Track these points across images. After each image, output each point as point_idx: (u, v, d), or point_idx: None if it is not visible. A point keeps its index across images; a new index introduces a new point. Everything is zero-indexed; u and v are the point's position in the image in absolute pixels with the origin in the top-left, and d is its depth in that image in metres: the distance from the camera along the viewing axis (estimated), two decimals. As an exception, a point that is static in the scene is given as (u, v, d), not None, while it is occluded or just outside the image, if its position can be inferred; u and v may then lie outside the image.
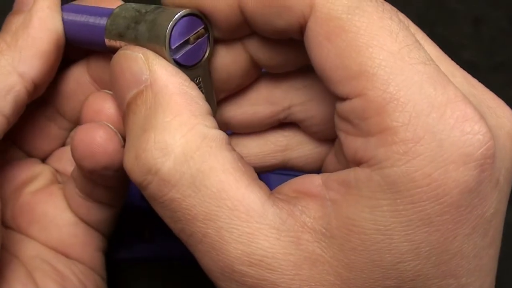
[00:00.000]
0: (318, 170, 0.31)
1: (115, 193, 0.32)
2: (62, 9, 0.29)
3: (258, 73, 0.28)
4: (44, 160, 0.34)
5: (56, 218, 0.32)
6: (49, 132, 0.33)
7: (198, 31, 0.26)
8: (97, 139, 0.28)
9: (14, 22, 0.28)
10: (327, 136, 0.29)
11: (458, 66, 0.25)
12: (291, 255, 0.22)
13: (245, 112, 0.29)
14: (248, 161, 0.27)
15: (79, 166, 0.29)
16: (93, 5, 0.29)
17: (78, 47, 0.30)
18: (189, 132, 0.23)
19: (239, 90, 0.29)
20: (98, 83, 0.32)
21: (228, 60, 0.27)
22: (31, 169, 0.33)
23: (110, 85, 0.26)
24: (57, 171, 0.34)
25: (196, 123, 0.23)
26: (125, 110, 0.25)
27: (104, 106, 0.29)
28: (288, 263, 0.22)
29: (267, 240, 0.22)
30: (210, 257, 0.23)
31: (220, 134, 0.24)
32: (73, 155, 0.29)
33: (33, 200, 0.32)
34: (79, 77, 0.32)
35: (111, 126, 0.28)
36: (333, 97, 0.24)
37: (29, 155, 0.34)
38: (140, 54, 0.24)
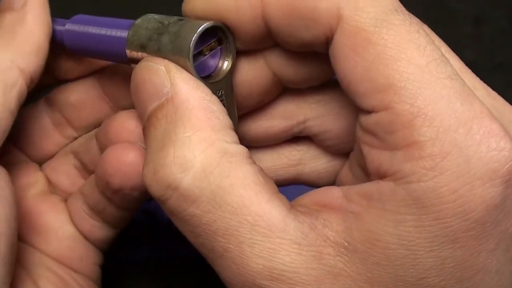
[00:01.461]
0: (331, 184, 0.30)
1: (124, 215, 0.32)
2: (75, 20, 0.29)
3: (278, 91, 0.28)
4: (40, 165, 0.34)
5: (57, 231, 0.32)
6: (52, 138, 0.33)
7: (211, 43, 0.26)
8: (131, 158, 0.28)
9: (8, 19, 0.28)
10: (342, 150, 0.29)
11: (478, 79, 0.25)
12: (313, 270, 0.22)
13: (260, 126, 0.29)
14: None
15: (105, 183, 0.29)
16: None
17: (92, 59, 0.30)
18: (209, 147, 0.23)
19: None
20: (109, 96, 0.32)
21: (250, 76, 0.27)
22: (31, 174, 0.33)
23: (132, 97, 0.26)
24: (49, 180, 0.34)
25: (216, 138, 0.23)
26: (145, 123, 0.25)
27: (138, 126, 0.29)
28: (310, 278, 0.22)
29: (288, 255, 0.22)
30: (231, 272, 0.23)
31: (240, 149, 0.24)
32: (101, 172, 0.29)
33: (35, 209, 0.32)
34: (90, 88, 0.32)
35: (144, 147, 0.28)
36: (357, 110, 0.24)
37: (29, 158, 0.34)
38: (162, 67, 0.24)
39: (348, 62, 0.22)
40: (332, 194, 0.24)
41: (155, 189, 0.23)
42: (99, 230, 0.32)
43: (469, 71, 0.25)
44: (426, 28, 0.24)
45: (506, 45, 0.58)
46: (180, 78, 0.24)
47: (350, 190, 0.24)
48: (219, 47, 0.26)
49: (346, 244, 0.22)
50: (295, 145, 0.30)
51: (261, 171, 0.24)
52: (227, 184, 0.22)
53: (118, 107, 0.33)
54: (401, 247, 0.21)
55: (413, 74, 0.21)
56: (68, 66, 0.32)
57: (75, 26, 0.29)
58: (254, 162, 0.24)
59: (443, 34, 0.59)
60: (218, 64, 0.26)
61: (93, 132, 0.33)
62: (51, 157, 0.34)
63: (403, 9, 0.23)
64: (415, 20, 0.23)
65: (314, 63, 0.26)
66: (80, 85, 0.33)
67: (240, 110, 0.28)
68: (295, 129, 0.29)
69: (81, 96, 0.33)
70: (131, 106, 0.31)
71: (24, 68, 0.27)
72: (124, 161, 0.28)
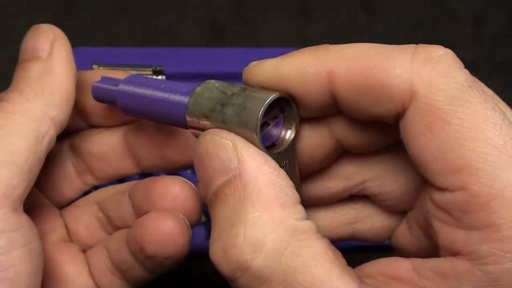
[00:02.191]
0: (386, 240, 0.30)
1: (149, 277, 0.31)
2: (128, 81, 0.29)
3: (338, 154, 0.28)
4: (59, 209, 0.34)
5: (75, 282, 0.31)
6: (74, 183, 0.33)
7: (274, 111, 0.25)
8: (169, 229, 0.28)
9: (35, 68, 0.28)
10: (400, 209, 0.29)
11: None
12: None
13: (318, 187, 0.29)
14: None
15: (140, 248, 0.29)
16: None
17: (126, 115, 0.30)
18: (279, 227, 0.23)
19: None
20: (133, 153, 0.32)
21: (314, 144, 0.27)
22: (53, 220, 0.33)
23: (195, 167, 0.26)
24: (67, 228, 0.33)
25: (286, 217, 0.23)
26: (211, 197, 0.25)
27: (181, 192, 0.29)
28: None
29: None
30: None
31: (308, 225, 0.23)
32: (136, 236, 0.28)
33: (55, 257, 0.31)
34: (114, 142, 0.32)
35: (185, 220, 0.29)
36: (416, 177, 0.23)
37: (50, 201, 0.33)
38: (229, 142, 0.24)
39: (422, 140, 0.22)
40: (401, 266, 0.24)
41: (225, 269, 0.23)
42: (117, 287, 0.32)
43: None
44: (497, 99, 0.24)
45: (506, 45, 0.58)
46: (248, 154, 0.24)
47: (422, 265, 0.23)
48: (282, 115, 0.26)
49: None
50: (352, 204, 0.30)
51: (330, 245, 0.23)
52: (298, 264, 0.22)
53: (140, 166, 0.33)
54: None
55: (490, 154, 0.21)
56: (98, 114, 0.33)
57: (129, 87, 0.29)
58: (322, 236, 0.24)
59: (443, 34, 0.59)
60: (281, 133, 0.26)
61: (124, 187, 0.32)
62: (70, 202, 0.34)
63: (477, 84, 0.23)
64: (489, 96, 0.22)
65: (377, 131, 0.26)
66: (104, 137, 0.33)
67: (300, 174, 0.27)
68: (354, 189, 0.29)
69: (104, 149, 0.32)
70: (152, 166, 0.32)
71: (55, 117, 0.28)
72: (162, 231, 0.28)
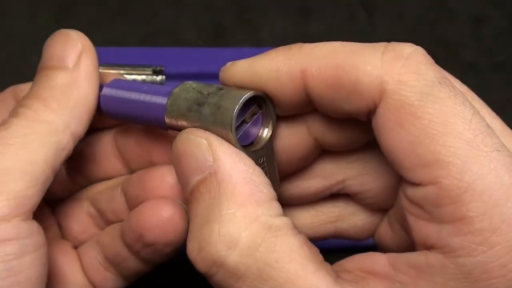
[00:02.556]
0: (369, 238, 0.31)
1: (143, 269, 0.31)
2: (111, 85, 0.29)
3: (318, 154, 0.28)
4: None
5: (67, 279, 0.31)
6: (64, 184, 0.33)
7: (252, 109, 0.26)
8: (170, 214, 0.28)
9: (60, 78, 0.28)
10: (381, 207, 0.29)
11: None
12: None
13: (298, 186, 0.29)
14: None
15: (138, 236, 0.29)
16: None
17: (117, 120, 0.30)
18: (253, 223, 0.23)
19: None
20: (121, 154, 0.32)
21: (292, 143, 0.27)
22: (46, 218, 0.32)
23: (174, 167, 0.26)
24: (59, 225, 0.34)
25: (260, 213, 0.23)
26: (188, 196, 0.25)
27: (172, 181, 0.29)
28: None
29: None
30: None
31: (284, 221, 0.24)
32: (134, 225, 0.28)
33: (49, 255, 0.32)
34: (104, 144, 0.32)
35: (184, 205, 0.28)
36: (395, 174, 0.23)
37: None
38: (204, 140, 0.24)
39: (393, 136, 0.22)
40: (378, 261, 0.24)
41: (201, 265, 0.23)
42: (112, 283, 0.31)
43: (511, 132, 0.25)
44: (473, 97, 0.24)
45: (506, 45, 0.58)
46: (222, 152, 0.24)
47: (397, 259, 0.24)
48: (260, 112, 0.26)
49: None
50: (334, 202, 0.30)
51: (306, 241, 0.24)
52: (273, 260, 0.22)
53: (129, 168, 0.32)
54: None
55: (460, 148, 0.21)
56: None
57: (112, 91, 0.29)
58: (298, 232, 0.24)
59: (443, 34, 0.59)
60: (259, 132, 0.26)
61: (116, 181, 0.32)
62: (60, 200, 0.34)
63: (447, 80, 0.23)
64: (459, 91, 0.23)
65: (354, 129, 0.26)
66: (93, 139, 0.32)
67: (280, 174, 0.28)
68: (334, 188, 0.29)
69: (94, 150, 0.32)
70: (141, 168, 0.31)
71: (75, 131, 0.28)
72: (162, 217, 0.28)
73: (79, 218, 0.33)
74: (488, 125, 0.22)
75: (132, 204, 0.30)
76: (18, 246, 0.25)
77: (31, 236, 0.25)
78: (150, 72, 0.48)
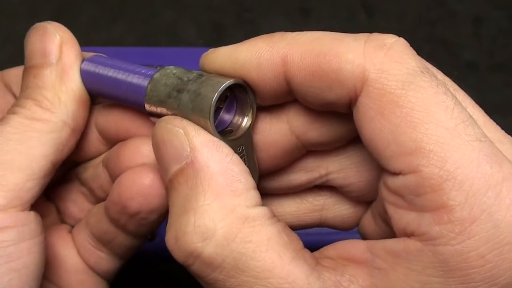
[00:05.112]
0: (354, 228, 0.30)
1: (134, 244, 0.31)
2: (91, 60, 0.29)
3: (302, 154, 0.28)
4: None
5: (66, 263, 0.32)
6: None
7: (228, 96, 0.25)
8: (150, 180, 0.28)
9: (47, 76, 0.28)
10: (365, 199, 0.29)
11: (504, 132, 0.24)
12: None
13: (280, 180, 0.29)
14: (284, 220, 0.26)
15: (122, 207, 0.28)
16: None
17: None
18: (229, 215, 0.23)
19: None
20: (105, 137, 0.31)
21: (273, 139, 0.27)
22: (44, 205, 0.32)
23: (154, 155, 0.26)
24: (57, 209, 0.33)
25: (237, 204, 0.23)
26: (167, 184, 0.25)
27: (151, 150, 0.28)
28: None
29: None
30: None
31: (261, 211, 0.23)
32: (117, 196, 0.28)
33: (48, 241, 0.31)
34: (86, 132, 0.32)
35: None
36: (378, 168, 0.23)
37: None
38: (181, 130, 0.24)
39: (374, 125, 0.22)
40: (357, 247, 0.24)
41: (178, 256, 0.23)
42: (107, 262, 0.31)
43: (493, 123, 0.25)
44: (455, 89, 0.24)
45: (506, 45, 0.58)
46: (199, 142, 0.24)
47: (376, 245, 0.23)
48: (235, 100, 0.26)
49: None
50: (319, 191, 0.30)
51: (285, 228, 0.24)
52: (249, 250, 0.22)
53: (111, 146, 0.32)
54: None
55: (441, 137, 0.21)
56: None
57: (91, 66, 0.29)
58: (277, 221, 0.24)
59: (443, 34, 0.59)
60: (238, 120, 0.26)
61: (98, 159, 0.32)
62: (52, 185, 0.34)
63: (429, 70, 0.23)
64: (441, 81, 0.22)
65: (336, 125, 0.26)
66: None
67: (265, 170, 0.28)
68: (318, 181, 0.29)
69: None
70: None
71: (75, 126, 0.28)
72: (143, 184, 0.28)
73: (74, 197, 0.33)
74: (470, 115, 0.22)
75: (114, 178, 0.30)
76: (14, 233, 0.25)
77: (29, 224, 0.26)
78: (150, 72, 0.48)
